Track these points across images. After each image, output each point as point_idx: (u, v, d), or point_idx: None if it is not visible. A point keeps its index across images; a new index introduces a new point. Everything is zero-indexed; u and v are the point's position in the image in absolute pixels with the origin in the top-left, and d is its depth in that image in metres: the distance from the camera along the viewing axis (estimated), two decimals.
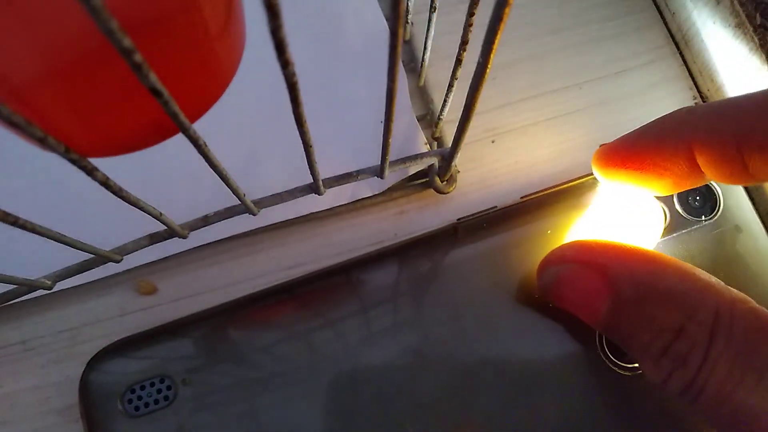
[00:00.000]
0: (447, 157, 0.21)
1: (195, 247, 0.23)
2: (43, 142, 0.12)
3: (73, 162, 0.13)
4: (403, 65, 0.25)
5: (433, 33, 0.22)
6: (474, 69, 0.16)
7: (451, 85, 0.20)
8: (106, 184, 0.15)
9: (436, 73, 0.25)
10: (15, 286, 0.20)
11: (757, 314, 0.16)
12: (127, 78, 0.12)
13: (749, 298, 0.17)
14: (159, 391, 0.20)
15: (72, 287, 0.22)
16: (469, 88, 0.17)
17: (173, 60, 0.12)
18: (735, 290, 0.17)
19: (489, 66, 0.15)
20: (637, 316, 0.18)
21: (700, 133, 0.17)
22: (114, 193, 0.15)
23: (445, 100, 0.21)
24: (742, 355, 0.16)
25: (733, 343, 0.16)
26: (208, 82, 0.14)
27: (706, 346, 0.16)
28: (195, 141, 0.14)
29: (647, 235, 0.21)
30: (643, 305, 0.18)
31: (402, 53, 0.26)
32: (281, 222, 0.23)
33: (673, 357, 0.17)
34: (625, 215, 0.20)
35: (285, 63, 0.12)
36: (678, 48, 0.26)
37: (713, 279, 0.17)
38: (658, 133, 0.19)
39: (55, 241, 0.17)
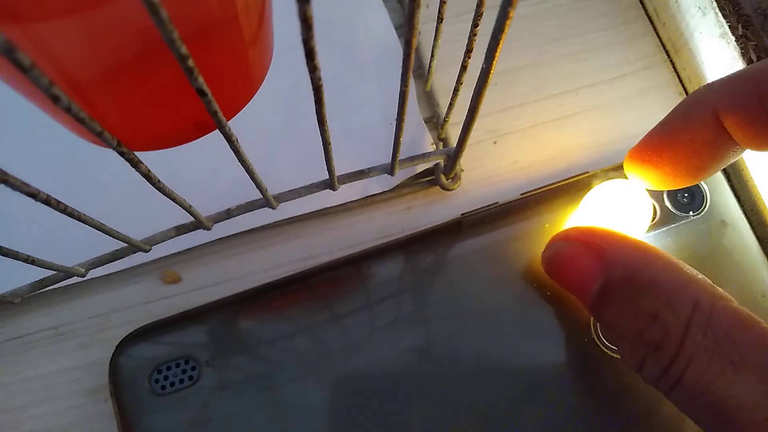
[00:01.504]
0: (452, 156, 0.23)
1: (216, 239, 0.25)
2: (99, 136, 0.13)
3: (122, 155, 0.15)
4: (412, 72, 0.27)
5: (439, 42, 0.23)
6: (478, 75, 0.17)
7: (456, 90, 0.22)
8: (147, 176, 0.16)
9: (441, 79, 0.27)
10: (52, 273, 0.22)
11: (738, 312, 0.17)
12: (173, 80, 0.13)
13: (731, 298, 0.17)
14: (184, 371, 0.22)
15: (101, 276, 0.24)
16: (474, 91, 0.18)
17: (214, 65, 0.14)
18: (720, 289, 0.18)
19: (492, 71, 0.17)
20: (621, 299, 0.18)
21: (724, 98, 0.18)
22: (153, 184, 0.17)
23: (450, 104, 0.23)
24: (721, 348, 0.16)
25: (711, 336, 0.16)
26: (242, 84, 0.15)
27: (681, 335, 0.17)
28: (229, 137, 0.16)
29: (635, 222, 0.22)
30: (627, 290, 0.18)
31: None
32: (297, 216, 0.25)
33: (646, 342, 0.18)
34: (615, 206, 0.22)
35: (313, 68, 0.14)
36: (669, 56, 0.28)
37: (700, 276, 0.18)
38: (683, 112, 0.19)
39: (96, 229, 0.18)
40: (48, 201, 0.15)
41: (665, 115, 0.26)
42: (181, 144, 0.16)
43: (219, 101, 0.14)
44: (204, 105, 0.14)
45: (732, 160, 0.20)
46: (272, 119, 0.26)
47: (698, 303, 0.17)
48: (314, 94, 0.15)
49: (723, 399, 0.16)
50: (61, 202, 0.16)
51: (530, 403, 0.22)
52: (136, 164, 0.15)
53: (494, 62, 0.17)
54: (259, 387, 0.22)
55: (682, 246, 0.24)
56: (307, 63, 0.13)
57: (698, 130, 0.19)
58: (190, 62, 0.12)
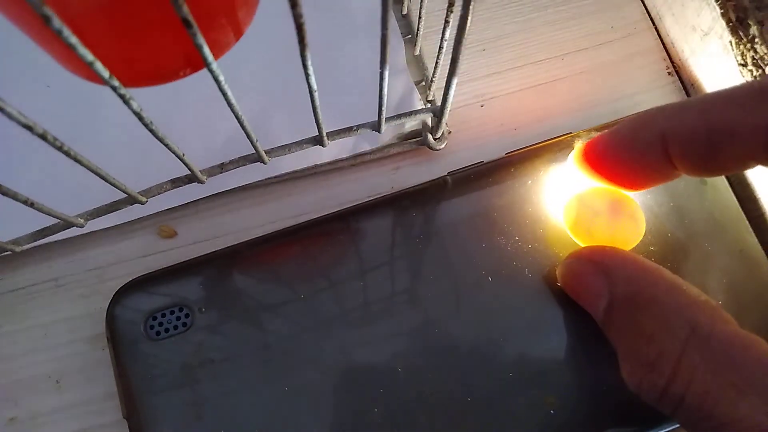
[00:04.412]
0: (438, 113, 0.24)
1: (211, 195, 0.25)
2: (91, 66, 0.14)
3: (114, 89, 0.15)
4: (401, 36, 0.28)
5: (426, 2, 0.24)
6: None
7: (441, 47, 0.22)
8: (139, 114, 0.17)
9: (430, 47, 0.28)
10: (51, 223, 0.23)
11: (738, 333, 0.17)
12: (162, 14, 0.14)
13: (733, 320, 0.18)
14: (178, 318, 0.23)
15: (100, 230, 0.25)
16: (454, 41, 0.19)
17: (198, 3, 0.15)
18: (722, 311, 0.18)
19: (469, 17, 0.18)
20: (623, 318, 0.19)
21: (672, 124, 0.18)
22: (146, 125, 0.18)
23: (437, 62, 0.24)
24: (723, 370, 0.16)
25: (711, 358, 0.17)
26: (228, 23, 0.16)
27: (677, 356, 0.17)
28: (216, 77, 0.17)
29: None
30: (629, 309, 0.19)
31: (400, 26, 0.28)
32: (289, 174, 0.26)
33: (642, 362, 0.18)
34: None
35: (293, 4, 0.14)
36: (653, 22, 0.29)
37: (702, 298, 0.18)
38: (633, 128, 0.20)
39: (92, 172, 0.19)
40: (44, 136, 0.16)
41: (648, 81, 0.27)
42: (170, 81, 0.16)
43: (206, 37, 0.15)
44: (191, 38, 0.14)
45: (670, 180, 0.20)
46: (266, 80, 0.26)
47: (697, 325, 0.17)
48: (297, 33, 0.16)
49: (730, 422, 0.16)
50: (57, 138, 0.17)
51: (507, 351, 0.23)
52: (127, 101, 0.16)
53: (470, 6, 0.17)
54: (250, 333, 0.23)
55: (662, 204, 0.24)
56: None
57: (645, 150, 0.19)
58: None
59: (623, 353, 0.19)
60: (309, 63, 0.18)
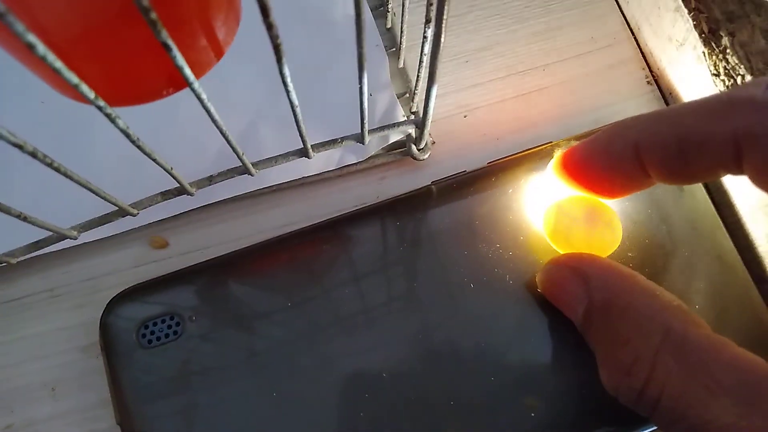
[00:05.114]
0: (420, 125, 0.24)
1: (201, 207, 0.26)
2: (77, 88, 0.15)
3: (100, 108, 0.16)
4: (385, 49, 0.28)
5: (407, 17, 0.25)
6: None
7: (421, 61, 0.23)
8: (126, 132, 0.18)
9: (414, 59, 0.28)
10: (45, 236, 0.23)
11: (710, 337, 0.18)
12: (143, 38, 0.15)
13: (705, 324, 0.18)
14: (169, 326, 0.23)
15: (93, 242, 0.26)
16: (430, 57, 0.20)
17: (179, 22, 0.16)
18: (695, 315, 0.19)
19: (442, 35, 0.18)
20: (600, 323, 0.20)
21: (645, 134, 0.19)
22: (132, 142, 0.18)
23: (418, 76, 0.24)
24: (695, 374, 0.17)
25: (684, 362, 0.17)
26: (207, 47, 0.17)
27: (651, 361, 0.18)
28: (198, 95, 0.17)
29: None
30: (606, 314, 0.20)
31: (384, 39, 0.29)
32: (277, 186, 0.26)
33: (618, 367, 0.19)
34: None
35: (269, 26, 0.15)
36: (632, 33, 0.29)
37: (675, 303, 0.19)
38: (607, 138, 0.20)
39: (83, 186, 0.20)
40: (34, 153, 0.17)
41: (628, 90, 0.28)
42: (155, 100, 0.17)
43: (186, 58, 0.15)
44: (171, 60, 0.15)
45: (645, 188, 0.21)
46: (254, 95, 0.27)
47: (670, 329, 0.18)
48: (274, 53, 0.17)
49: (702, 423, 0.17)
50: (47, 155, 0.17)
51: (489, 356, 0.23)
52: (113, 119, 0.17)
53: (443, 25, 0.18)
54: (239, 341, 0.23)
55: (640, 211, 0.25)
56: (263, 20, 0.15)
57: (619, 159, 0.20)
58: (153, 15, 0.13)
59: (601, 358, 0.20)
60: (288, 80, 0.18)
